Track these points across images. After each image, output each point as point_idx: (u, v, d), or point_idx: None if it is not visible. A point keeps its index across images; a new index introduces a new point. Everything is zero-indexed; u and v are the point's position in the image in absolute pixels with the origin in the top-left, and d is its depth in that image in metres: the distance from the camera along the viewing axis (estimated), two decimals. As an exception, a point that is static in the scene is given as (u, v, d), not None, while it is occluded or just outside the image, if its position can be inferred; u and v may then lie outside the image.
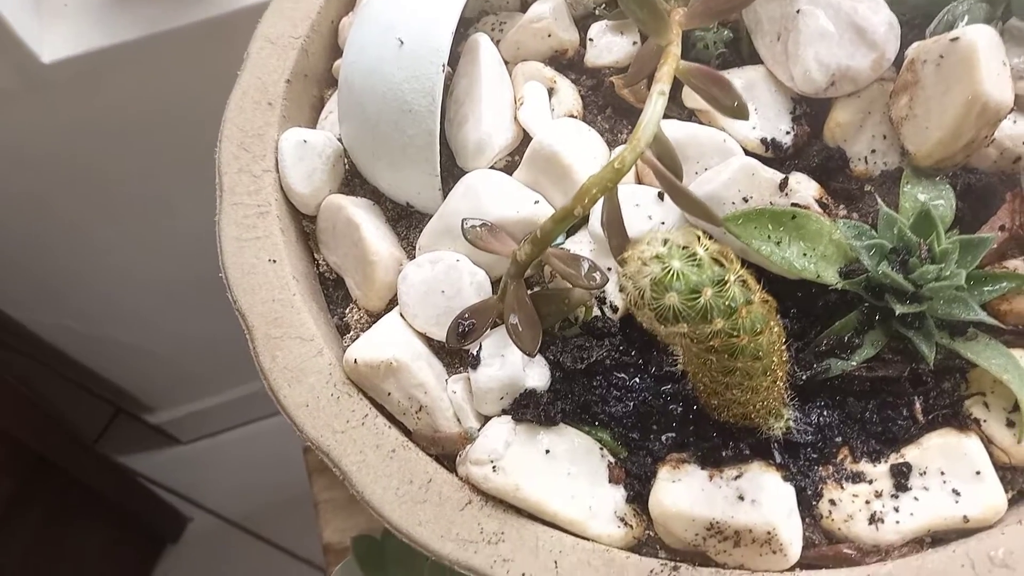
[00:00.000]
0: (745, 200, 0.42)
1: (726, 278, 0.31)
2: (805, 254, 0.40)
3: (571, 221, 0.35)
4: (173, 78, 0.82)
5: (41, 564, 1.17)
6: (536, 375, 0.41)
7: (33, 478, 1.13)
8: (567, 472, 0.39)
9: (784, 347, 0.35)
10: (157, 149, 0.92)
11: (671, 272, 0.30)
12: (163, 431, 1.49)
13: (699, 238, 0.31)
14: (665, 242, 0.31)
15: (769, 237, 0.40)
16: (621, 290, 0.43)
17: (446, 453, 0.41)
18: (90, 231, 1.05)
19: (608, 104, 0.49)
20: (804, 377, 0.40)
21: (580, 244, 0.44)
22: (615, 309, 0.43)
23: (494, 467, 0.38)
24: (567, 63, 0.50)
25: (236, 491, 1.48)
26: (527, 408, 0.40)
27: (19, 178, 0.93)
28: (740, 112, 0.36)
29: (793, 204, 0.42)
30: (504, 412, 0.41)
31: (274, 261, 0.45)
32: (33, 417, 1.10)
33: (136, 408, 1.44)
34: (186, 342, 1.30)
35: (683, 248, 0.31)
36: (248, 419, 1.50)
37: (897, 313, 0.38)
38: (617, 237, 0.35)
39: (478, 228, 0.40)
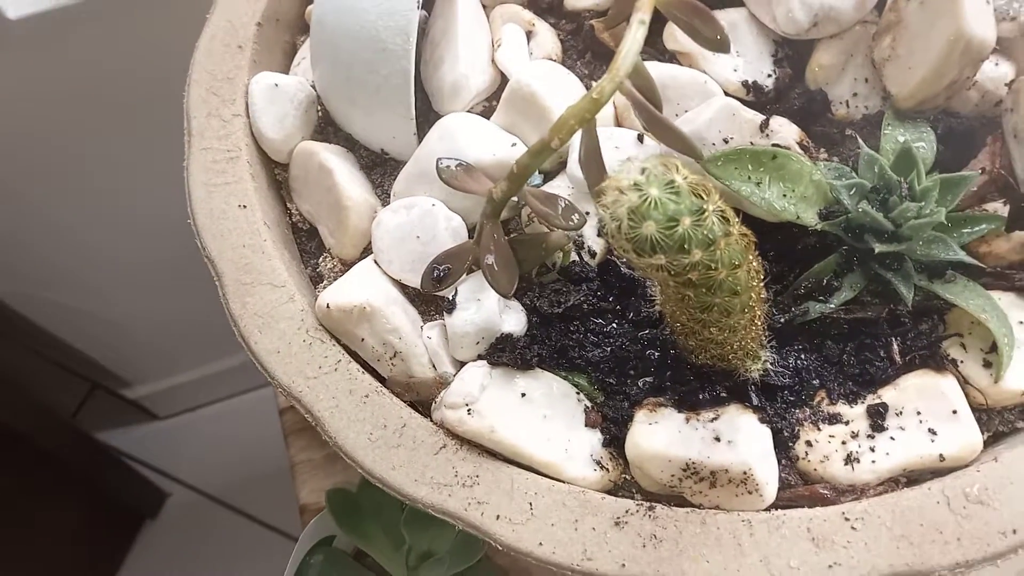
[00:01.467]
0: (725, 141, 0.41)
1: (705, 208, 0.30)
2: (785, 195, 0.40)
3: (548, 154, 0.34)
4: (142, 35, 0.80)
5: (16, 542, 1.16)
6: (512, 320, 0.40)
7: (6, 453, 1.11)
8: (543, 415, 0.38)
9: (762, 284, 0.35)
10: (128, 112, 0.90)
11: (648, 200, 0.30)
12: (140, 406, 1.48)
13: (677, 167, 0.30)
14: (643, 170, 0.30)
15: (749, 178, 0.39)
16: (600, 233, 0.42)
17: (421, 399, 0.41)
18: (60, 200, 1.03)
19: (588, 49, 0.48)
20: (782, 320, 0.40)
21: (559, 188, 0.43)
22: (593, 254, 0.42)
23: (469, 410, 0.38)
24: (546, 6, 0.49)
25: (214, 466, 1.47)
26: (503, 352, 0.39)
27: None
28: (722, 45, 0.35)
29: (774, 145, 0.41)
30: (480, 357, 0.40)
31: (244, 207, 0.43)
32: (7, 391, 1.08)
33: (113, 383, 1.42)
34: (163, 316, 1.28)
35: (661, 176, 0.30)
36: (226, 394, 1.49)
37: (876, 252, 0.37)
38: (595, 173, 0.35)
39: (453, 167, 0.39)
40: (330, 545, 0.50)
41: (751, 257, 0.33)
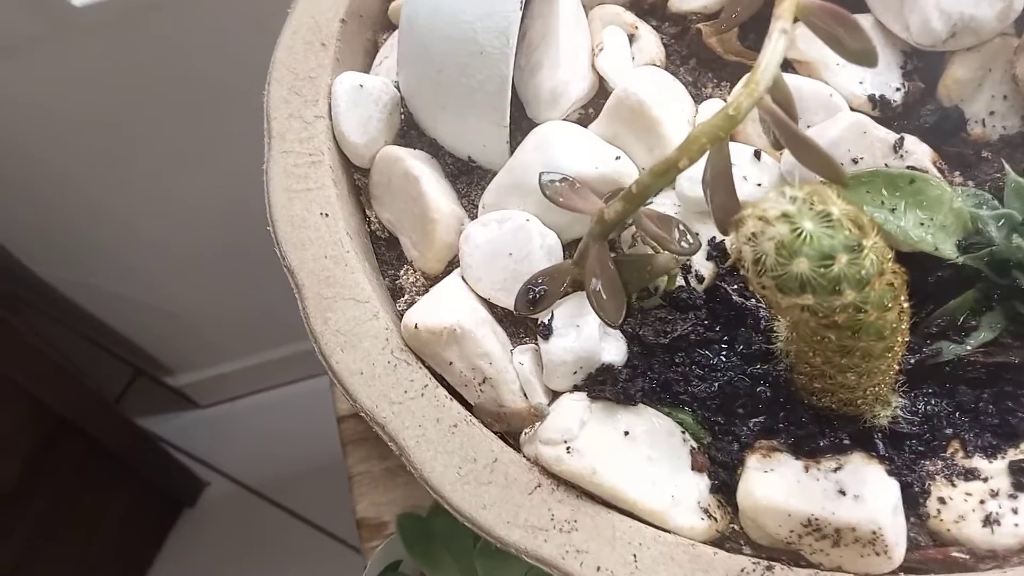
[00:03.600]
0: (854, 161, 0.37)
1: (863, 244, 0.27)
2: (922, 223, 0.36)
3: (674, 175, 0.31)
4: (210, 26, 0.78)
5: (58, 525, 1.16)
6: (612, 349, 0.37)
7: (54, 439, 1.11)
8: (647, 456, 0.35)
9: (908, 327, 0.31)
10: (190, 104, 0.88)
11: (802, 234, 0.26)
12: (183, 394, 1.48)
13: (831, 195, 0.27)
14: (794, 199, 0.27)
15: (883, 203, 0.36)
16: (708, 258, 0.39)
17: (511, 430, 0.38)
18: (116, 188, 1.02)
19: (692, 55, 0.45)
20: (912, 361, 0.36)
21: (664, 207, 0.40)
22: (701, 279, 0.39)
23: (568, 448, 0.35)
24: (648, 8, 0.46)
25: (254, 457, 1.46)
26: (604, 384, 0.36)
27: (44, 129, 0.90)
28: (868, 57, 0.32)
29: (908, 167, 0.37)
30: (576, 388, 0.37)
31: (326, 215, 0.41)
32: (55, 377, 1.08)
33: (156, 370, 1.42)
34: (209, 305, 1.27)
35: (814, 206, 0.27)
36: (268, 385, 1.48)
37: (1030, 292, 0.34)
38: (723, 196, 0.31)
39: (558, 183, 0.36)
40: (396, 571, 0.47)
41: (903, 297, 0.30)
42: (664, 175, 0.31)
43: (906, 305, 0.30)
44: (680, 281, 0.39)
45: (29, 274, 1.10)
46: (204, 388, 1.48)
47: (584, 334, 0.37)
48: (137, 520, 1.36)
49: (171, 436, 1.48)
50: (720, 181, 0.31)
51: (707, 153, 0.31)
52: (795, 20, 0.32)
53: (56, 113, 0.88)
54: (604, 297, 0.34)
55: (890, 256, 0.28)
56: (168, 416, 1.51)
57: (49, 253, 1.10)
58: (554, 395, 0.38)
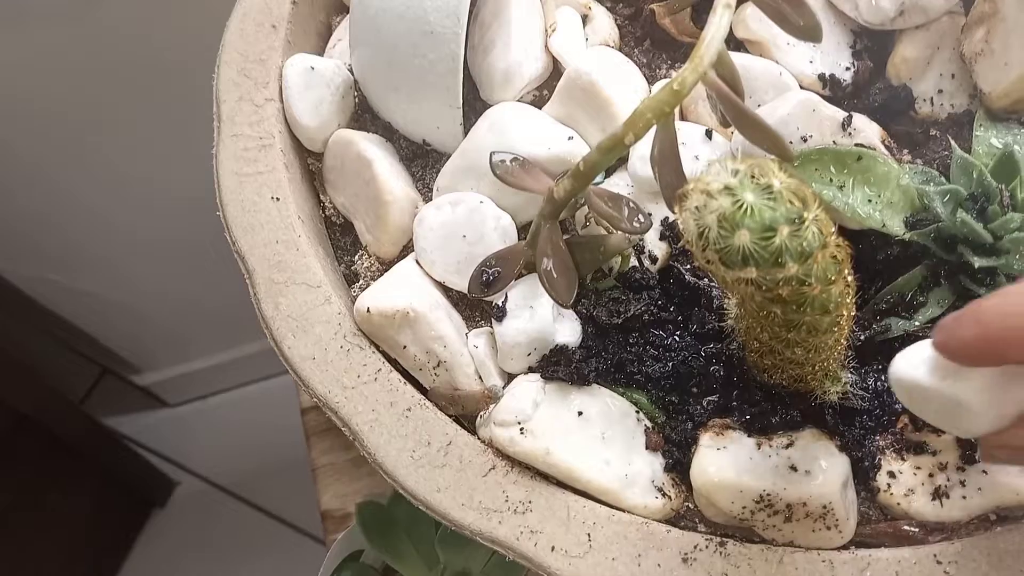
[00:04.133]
0: (804, 139, 0.38)
1: (804, 216, 0.27)
2: (870, 200, 0.36)
3: (620, 151, 0.31)
4: (167, 10, 0.76)
5: (23, 527, 1.14)
6: (567, 330, 0.37)
7: (14, 437, 1.08)
8: (601, 436, 0.35)
9: (853, 301, 0.32)
10: (148, 91, 0.87)
11: (744, 206, 0.26)
12: (151, 392, 1.45)
13: (773, 168, 0.27)
14: (735, 172, 0.27)
15: (831, 180, 0.36)
16: (662, 237, 0.39)
17: (466, 413, 0.38)
18: (75, 181, 1.00)
19: (647, 35, 0.44)
20: (862, 338, 0.37)
21: (617, 187, 0.40)
22: (654, 259, 0.39)
23: (521, 429, 0.34)
24: (603, -11, 0.45)
25: (224, 455, 1.44)
26: (558, 365, 0.36)
27: (-1, 122, 0.88)
28: (813, 33, 0.32)
29: (857, 144, 0.37)
30: (531, 370, 0.37)
31: (277, 199, 0.40)
32: (15, 375, 1.05)
33: (123, 369, 1.39)
34: (176, 302, 1.25)
35: (756, 179, 0.27)
36: (237, 383, 1.47)
37: (977, 267, 0.34)
38: (670, 173, 0.31)
39: (508, 163, 0.36)
40: (358, 560, 0.47)
41: (846, 271, 0.30)
42: (611, 151, 0.31)
43: (851, 279, 0.30)
44: (634, 261, 0.39)
45: (-9, 273, 1.08)
46: (172, 386, 1.46)
47: (538, 315, 0.36)
48: (106, 521, 1.34)
49: (139, 435, 1.46)
50: (667, 157, 0.31)
51: (654, 129, 0.31)
52: (741, -3, 0.32)
53: (9, 103, 0.86)
54: (555, 277, 0.34)
55: (833, 230, 0.28)
56: (136, 415, 1.49)
57: (8, 249, 1.07)
58: (509, 377, 0.38)
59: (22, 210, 1.02)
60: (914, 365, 0.29)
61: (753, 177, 0.27)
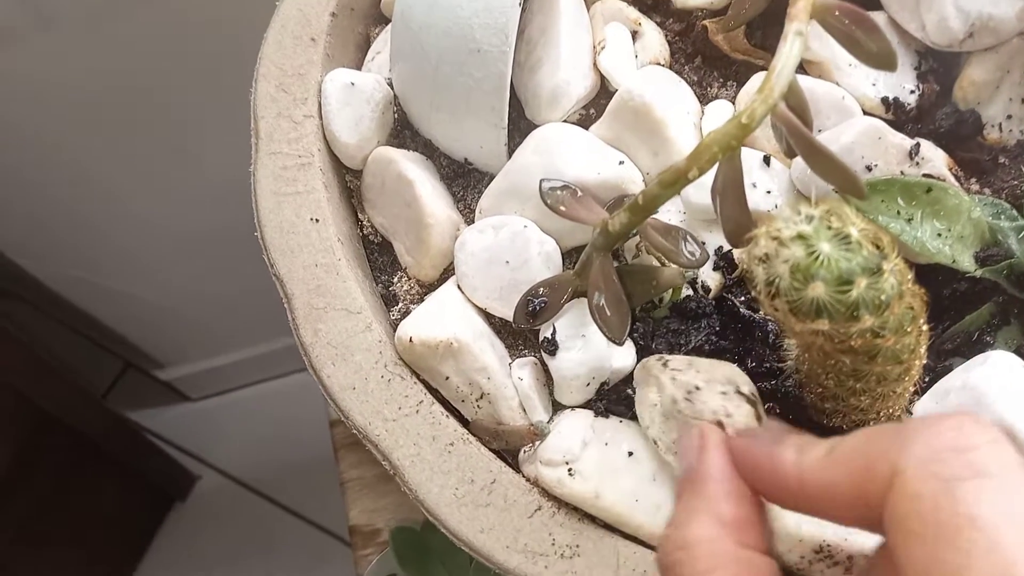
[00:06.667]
0: (868, 168, 0.36)
1: (882, 266, 0.25)
2: (940, 234, 0.34)
3: (682, 185, 0.29)
4: (197, 10, 0.75)
5: (46, 522, 1.14)
6: (622, 353, 0.36)
7: (39, 434, 1.09)
8: (652, 477, 0.34)
9: (926, 348, 0.30)
10: (176, 92, 0.86)
11: (819, 258, 0.25)
12: (173, 387, 1.46)
13: (851, 216, 0.26)
14: (809, 218, 0.25)
15: (899, 213, 0.34)
16: (715, 268, 0.37)
17: (509, 448, 0.36)
18: (102, 178, 1.00)
19: (698, 52, 0.43)
20: (927, 380, 0.35)
21: (667, 213, 0.38)
22: (707, 290, 0.37)
23: (570, 470, 0.33)
24: (652, 3, 0.44)
25: (246, 451, 1.45)
26: (615, 401, 0.35)
27: (27, 119, 0.88)
28: (887, 60, 0.30)
29: (924, 175, 0.36)
30: (588, 403, 0.36)
31: (317, 220, 0.39)
32: (38, 371, 1.06)
33: (146, 363, 1.40)
34: (200, 297, 1.25)
35: (831, 226, 0.25)
36: (260, 378, 1.47)
37: (1053, 309, 0.32)
38: (734, 207, 0.30)
39: (559, 192, 0.34)
40: (391, 585, 0.46)
41: (921, 320, 0.28)
42: (673, 186, 0.29)
43: (925, 328, 0.28)
44: (686, 291, 0.37)
45: (10, 264, 1.08)
46: (195, 381, 1.46)
47: (592, 344, 0.35)
48: (126, 515, 1.35)
49: (161, 430, 1.46)
50: (731, 192, 0.30)
51: (717, 162, 0.30)
52: (810, 20, 0.30)
53: (41, 102, 0.85)
54: (608, 313, 0.33)
55: (910, 277, 0.27)
56: (158, 410, 1.49)
57: (36, 247, 1.07)
58: (554, 410, 0.36)
59: (46, 207, 1.02)
60: None
61: (828, 224, 0.25)
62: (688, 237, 0.33)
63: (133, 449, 1.32)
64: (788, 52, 0.29)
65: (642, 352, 0.36)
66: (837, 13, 0.31)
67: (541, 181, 0.35)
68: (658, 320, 0.36)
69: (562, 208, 0.34)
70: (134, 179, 1.02)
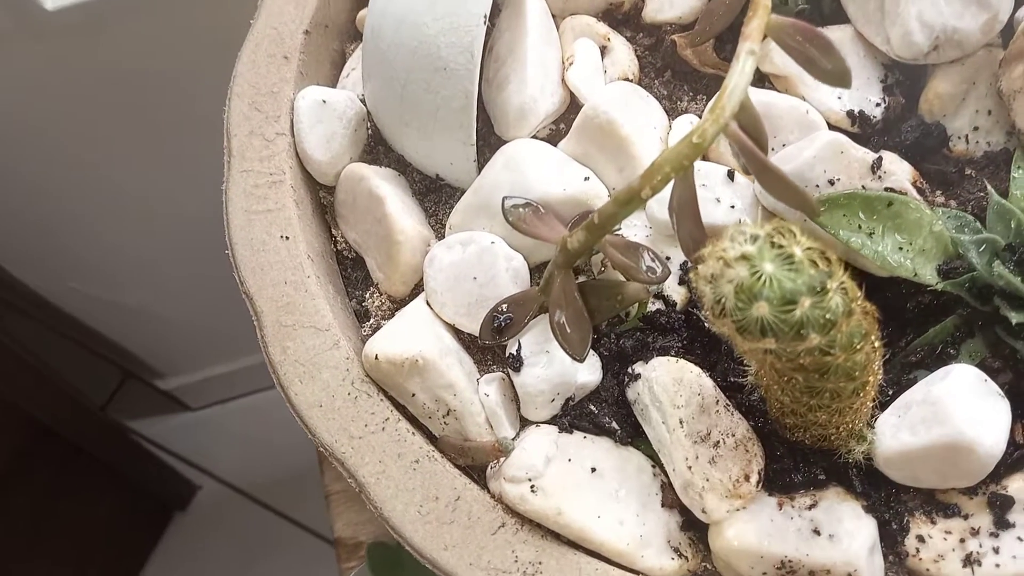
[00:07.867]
0: (831, 183, 0.36)
1: (827, 286, 0.25)
2: (901, 248, 0.35)
3: (637, 205, 0.30)
4: (178, 32, 0.76)
5: (45, 534, 1.15)
6: (586, 368, 0.36)
7: (35, 446, 1.09)
8: (615, 494, 0.34)
9: (880, 364, 0.30)
10: (168, 105, 0.87)
11: (762, 278, 0.25)
12: (173, 397, 1.46)
13: (795, 235, 0.26)
14: (754, 238, 0.25)
15: (860, 227, 0.34)
16: (680, 282, 0.37)
17: (476, 464, 0.37)
18: (97, 190, 1.01)
19: (667, 67, 0.43)
20: (891, 393, 0.35)
21: (634, 228, 0.38)
22: (672, 305, 0.37)
23: (532, 487, 0.33)
24: (622, 18, 0.44)
25: (246, 460, 1.45)
26: (579, 416, 0.35)
27: (20, 132, 0.88)
28: (841, 78, 0.30)
29: (887, 188, 0.36)
30: (554, 419, 0.36)
31: (287, 238, 0.39)
32: (35, 382, 1.06)
33: (146, 373, 1.40)
34: (199, 306, 1.26)
35: (775, 246, 0.25)
36: (260, 387, 1.47)
37: (1014, 322, 0.32)
38: (689, 225, 0.30)
39: (521, 210, 0.34)
40: (368, 598, 0.46)
41: (873, 336, 0.28)
42: (627, 205, 0.30)
43: (878, 344, 0.29)
44: (653, 305, 0.37)
45: (8, 276, 1.09)
46: (195, 391, 1.47)
47: (556, 359, 0.35)
48: (127, 525, 1.35)
49: (161, 439, 1.47)
50: (686, 209, 0.30)
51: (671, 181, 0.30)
52: (765, 38, 0.31)
53: (33, 115, 0.86)
54: (569, 331, 0.33)
55: (859, 295, 0.27)
56: (158, 419, 1.50)
57: (31, 256, 1.08)
58: (521, 426, 0.37)
59: (43, 218, 1.03)
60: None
61: (773, 243, 0.25)
62: (649, 254, 0.34)
63: (133, 459, 1.33)
64: (740, 71, 0.29)
65: (608, 368, 0.36)
66: (791, 31, 0.31)
67: (504, 198, 0.35)
68: (624, 334, 0.36)
69: (524, 225, 0.34)
70: (132, 190, 1.02)
